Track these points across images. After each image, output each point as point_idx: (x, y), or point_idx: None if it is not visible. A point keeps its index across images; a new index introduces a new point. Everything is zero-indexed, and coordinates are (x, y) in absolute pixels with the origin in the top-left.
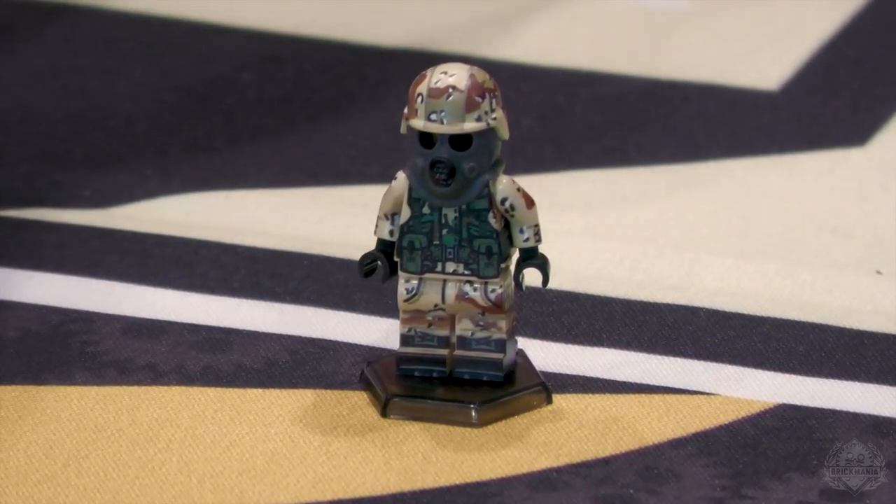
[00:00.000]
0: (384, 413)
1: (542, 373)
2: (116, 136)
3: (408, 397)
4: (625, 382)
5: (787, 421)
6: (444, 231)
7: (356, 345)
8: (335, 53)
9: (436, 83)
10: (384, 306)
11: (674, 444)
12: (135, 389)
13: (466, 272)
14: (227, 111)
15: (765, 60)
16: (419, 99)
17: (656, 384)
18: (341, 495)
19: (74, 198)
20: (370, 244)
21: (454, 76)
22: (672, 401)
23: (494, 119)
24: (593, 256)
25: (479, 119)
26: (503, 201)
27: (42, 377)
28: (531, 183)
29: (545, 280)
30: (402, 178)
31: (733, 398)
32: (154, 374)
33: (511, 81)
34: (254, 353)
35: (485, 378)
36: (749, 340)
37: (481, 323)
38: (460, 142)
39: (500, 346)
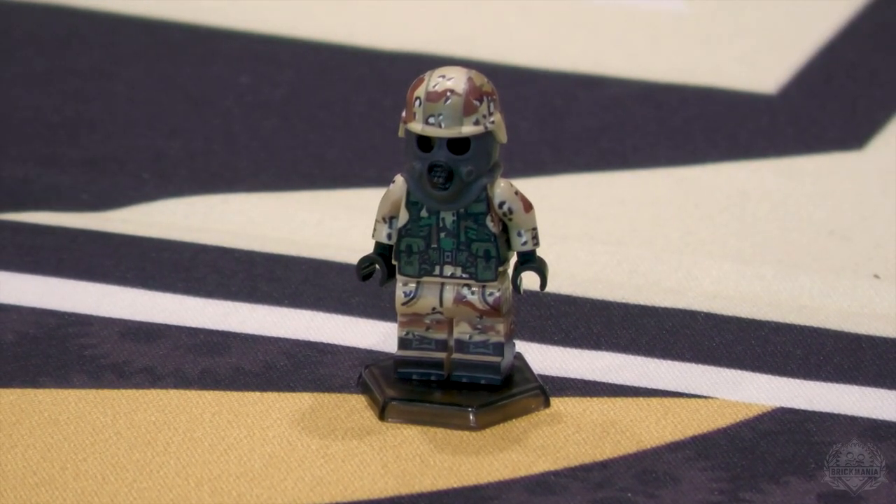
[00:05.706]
0: (382, 416)
1: (540, 376)
2: (114, 139)
3: (405, 401)
4: (623, 386)
5: (784, 424)
6: (442, 234)
7: (354, 348)
8: (333, 56)
9: (434, 87)
10: (382, 310)
11: (672, 448)
12: (132, 393)
13: (464, 276)
14: (225, 114)
15: (763, 64)
16: (417, 102)
17: (654, 388)
18: (339, 498)
19: (72, 201)
20: (368, 248)
21: (452, 79)
22: (670, 404)
23: (492, 122)
24: (591, 260)
25: (476, 122)
26: (501, 205)
27: (39, 380)
28: (529, 186)
29: (543, 283)
30: (399, 182)
31: (731, 402)
32: (152, 378)
33: (509, 85)
34: (252, 357)
35: (483, 381)
36: (747, 344)
37: (479, 326)
38: (458, 145)
39: (498, 349)
